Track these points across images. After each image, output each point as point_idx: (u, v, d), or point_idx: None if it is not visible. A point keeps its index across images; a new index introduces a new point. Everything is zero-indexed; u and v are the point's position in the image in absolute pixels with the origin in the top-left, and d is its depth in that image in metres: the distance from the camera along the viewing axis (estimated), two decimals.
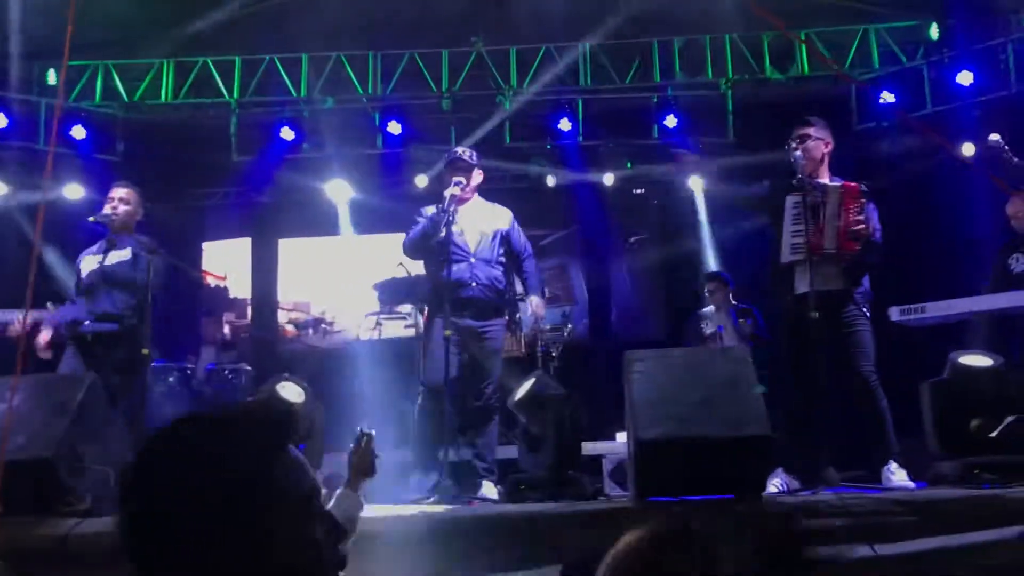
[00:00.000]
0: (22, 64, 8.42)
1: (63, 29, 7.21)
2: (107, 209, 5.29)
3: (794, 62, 8.54)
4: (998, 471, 3.93)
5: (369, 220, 9.39)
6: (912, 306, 5.22)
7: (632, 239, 9.59)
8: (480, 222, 5.16)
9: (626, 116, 8.83)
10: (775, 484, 4.37)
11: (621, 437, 5.60)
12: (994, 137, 4.70)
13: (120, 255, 5.18)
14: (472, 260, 5.02)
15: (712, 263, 8.75)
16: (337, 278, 10.00)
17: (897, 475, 4.37)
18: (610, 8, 8.06)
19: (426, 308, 5.51)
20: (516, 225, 5.30)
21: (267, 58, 8.66)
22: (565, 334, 7.65)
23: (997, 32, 7.83)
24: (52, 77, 8.35)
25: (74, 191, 8.32)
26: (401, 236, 5.29)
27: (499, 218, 5.24)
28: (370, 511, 3.22)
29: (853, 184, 4.64)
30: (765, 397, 3.89)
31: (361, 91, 8.70)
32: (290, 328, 9.94)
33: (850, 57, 8.40)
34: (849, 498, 3.72)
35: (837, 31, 8.48)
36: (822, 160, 4.82)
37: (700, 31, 8.51)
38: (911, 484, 4.27)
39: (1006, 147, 4.64)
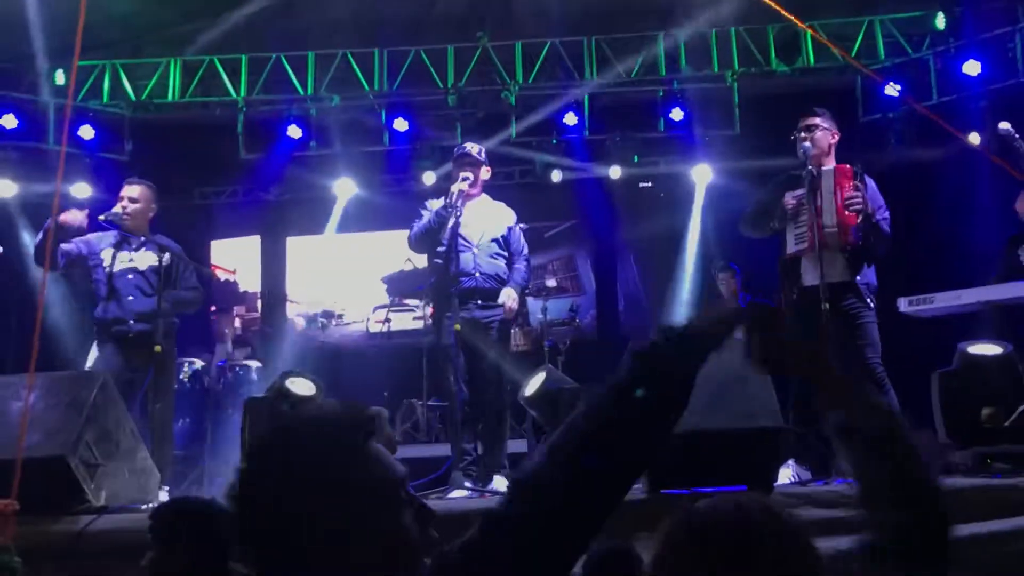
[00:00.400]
0: (31, 65, 8.47)
1: (71, 30, 7.32)
2: (117, 208, 5.31)
3: (800, 54, 8.52)
4: (1010, 460, 3.93)
5: (376, 216, 9.41)
6: (920, 297, 5.23)
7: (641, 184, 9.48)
8: (485, 219, 5.18)
9: (632, 110, 8.82)
10: (787, 475, 4.38)
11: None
12: (1004, 125, 4.69)
13: (147, 258, 5.22)
14: (476, 252, 5.05)
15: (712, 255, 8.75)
16: (345, 273, 10.04)
17: None
18: (615, 2, 8.07)
19: (431, 303, 5.51)
20: (518, 226, 5.32)
21: (273, 56, 8.68)
22: (573, 328, 7.66)
23: (1005, 21, 7.80)
24: (60, 77, 8.37)
25: (82, 190, 8.37)
26: (406, 232, 5.31)
27: (503, 216, 5.26)
28: None
29: (846, 165, 4.65)
30: (776, 389, 3.89)
31: (367, 88, 8.71)
32: (300, 322, 9.98)
33: (856, 48, 8.38)
34: None
35: (843, 22, 8.46)
36: (829, 150, 4.83)
37: (705, 24, 8.51)
38: None
39: (1017, 135, 4.63)
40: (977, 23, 7.79)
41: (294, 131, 8.59)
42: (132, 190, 5.37)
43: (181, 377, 6.90)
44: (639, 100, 8.82)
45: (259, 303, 10.05)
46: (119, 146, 8.71)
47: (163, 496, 4.59)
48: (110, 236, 5.29)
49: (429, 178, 8.82)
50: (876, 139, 8.21)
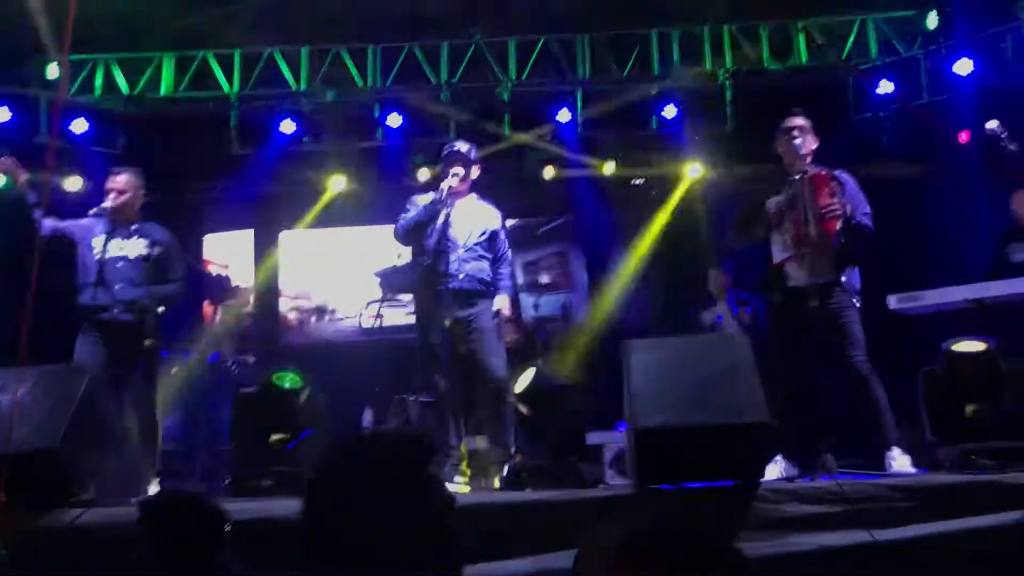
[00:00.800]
0: (23, 59, 8.46)
1: (63, 24, 7.32)
2: (107, 203, 5.31)
3: (792, 52, 8.55)
4: (995, 457, 3.96)
5: (369, 212, 9.42)
6: (910, 294, 5.26)
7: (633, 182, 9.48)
8: (472, 217, 5.19)
9: (625, 106, 8.83)
10: (774, 471, 4.41)
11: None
12: (992, 124, 4.72)
13: (138, 246, 5.22)
14: (461, 252, 5.05)
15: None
16: (338, 268, 10.05)
17: (899, 461, 4.40)
18: None
19: (415, 300, 5.50)
20: (504, 227, 5.34)
21: (267, 51, 8.67)
22: (565, 324, 7.67)
23: (997, 20, 7.83)
24: (53, 71, 8.36)
25: (74, 183, 8.37)
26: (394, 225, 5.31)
27: (490, 216, 5.27)
28: None
29: (822, 171, 4.69)
30: (764, 385, 3.91)
31: (361, 83, 8.71)
32: (293, 316, 9.99)
33: (848, 47, 8.40)
34: (846, 484, 3.75)
35: (835, 21, 8.49)
36: (812, 154, 4.86)
37: (698, 22, 8.53)
38: (913, 470, 4.30)
39: (1004, 133, 4.66)
40: (969, 22, 7.82)
41: (287, 126, 8.59)
42: (117, 181, 5.36)
43: (174, 371, 6.91)
44: (632, 97, 8.82)
45: (251, 300, 10.03)
46: (112, 141, 8.70)
47: (153, 489, 4.61)
48: (103, 223, 5.29)
49: (423, 174, 8.82)
50: (868, 137, 8.24)
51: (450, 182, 5.04)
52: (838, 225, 4.58)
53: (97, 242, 5.23)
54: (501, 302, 5.04)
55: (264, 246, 10.06)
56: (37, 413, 4.04)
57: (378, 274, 9.75)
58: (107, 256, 5.19)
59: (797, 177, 4.73)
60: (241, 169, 9.03)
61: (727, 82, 8.55)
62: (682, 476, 3.77)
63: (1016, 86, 7.69)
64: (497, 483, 4.70)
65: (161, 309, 5.23)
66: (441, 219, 4.96)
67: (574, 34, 8.64)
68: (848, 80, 8.48)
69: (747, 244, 4.95)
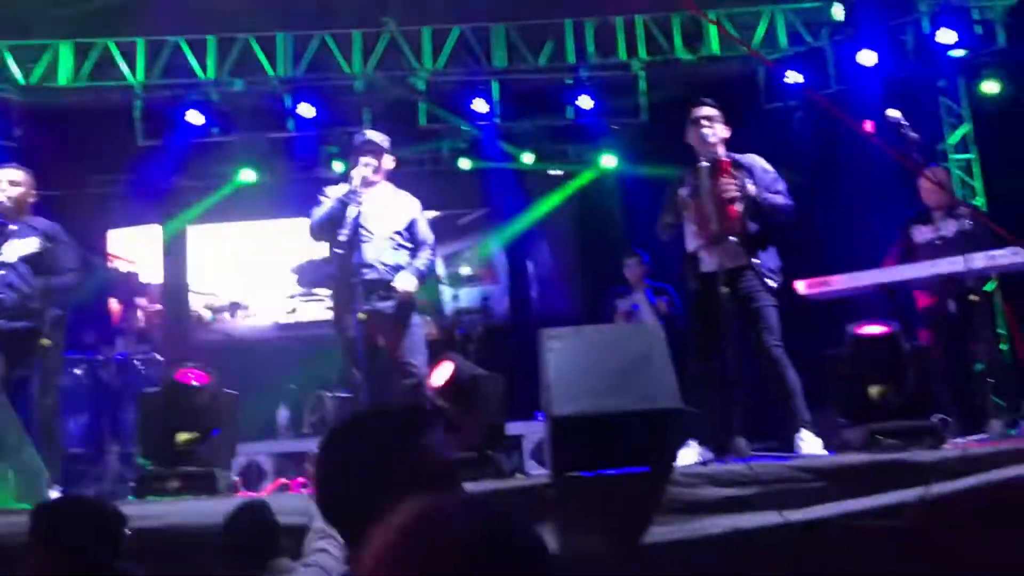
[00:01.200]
0: None
1: None
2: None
3: (704, 43, 8.66)
4: (898, 436, 4.07)
5: (281, 205, 9.23)
6: (818, 279, 5.37)
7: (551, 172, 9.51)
8: (388, 209, 5.10)
9: (541, 97, 8.83)
10: (688, 455, 4.46)
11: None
12: (893, 113, 4.84)
13: (25, 245, 4.95)
14: (378, 243, 4.96)
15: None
16: (252, 263, 9.82)
17: (809, 443, 4.49)
18: None
19: (332, 294, 5.36)
20: (423, 216, 5.26)
21: (172, 39, 8.40)
22: (485, 316, 7.64)
23: (898, 12, 8.07)
24: None
25: None
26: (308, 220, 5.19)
27: (407, 205, 5.19)
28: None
29: (721, 159, 4.78)
30: (679, 372, 3.95)
31: (272, 73, 8.51)
32: (206, 313, 9.73)
33: (758, 37, 8.55)
34: (759, 467, 3.81)
35: (745, 12, 8.62)
36: (723, 143, 4.93)
37: (612, 12, 8.56)
38: (824, 452, 4.40)
39: (904, 122, 4.79)
40: (872, 14, 8.03)
41: (194, 117, 8.32)
42: (12, 173, 5.10)
43: (77, 372, 6.65)
44: (548, 87, 8.83)
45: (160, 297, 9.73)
46: (7, 132, 8.31)
47: (54, 495, 4.42)
48: None
49: (339, 167, 8.66)
50: (778, 126, 8.40)
51: (362, 172, 4.94)
52: (739, 209, 4.66)
53: None
54: (400, 278, 4.93)
55: (172, 241, 9.77)
56: None
57: (294, 270, 9.57)
58: None
59: (700, 166, 4.80)
60: (146, 162, 8.75)
61: (641, 72, 8.61)
62: (598, 463, 3.78)
63: (916, 77, 7.95)
64: None
65: (58, 311, 4.97)
66: (355, 210, 4.85)
67: (489, 23, 8.59)
68: (758, 70, 8.63)
69: (671, 234, 4.99)
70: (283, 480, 5.76)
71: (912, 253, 5.67)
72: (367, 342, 4.78)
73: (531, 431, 6.25)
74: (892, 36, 8.01)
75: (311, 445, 6.77)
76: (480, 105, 8.50)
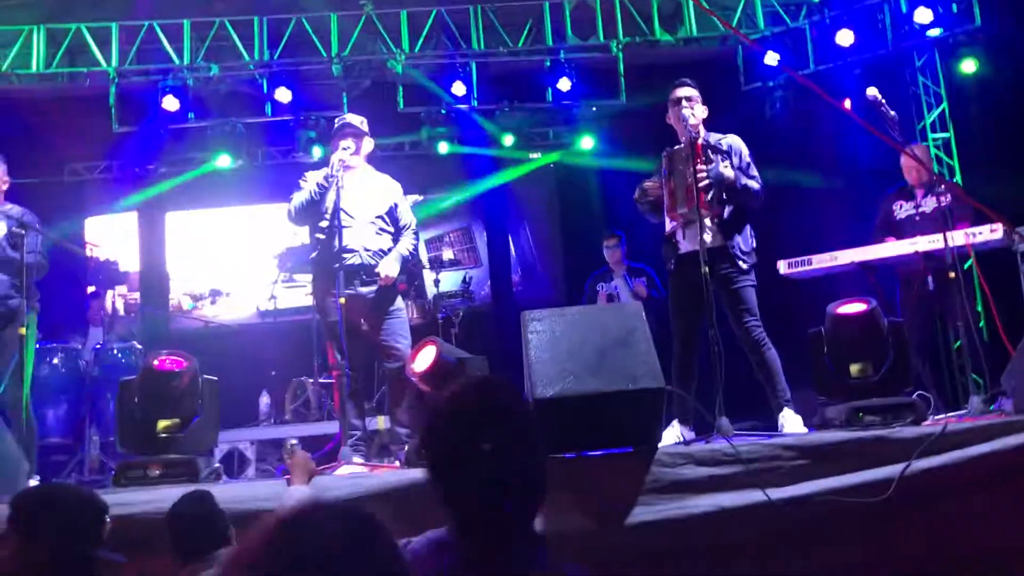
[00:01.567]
0: None
1: None
2: None
3: (683, 23, 8.64)
4: (879, 413, 4.09)
5: (259, 190, 9.16)
6: (799, 259, 5.39)
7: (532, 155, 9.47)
8: (369, 193, 5.06)
9: (520, 79, 8.80)
10: (671, 435, 4.47)
11: None
12: (871, 92, 4.85)
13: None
14: (359, 227, 4.93)
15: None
16: (230, 250, 9.75)
17: (790, 421, 4.52)
18: None
19: (313, 279, 5.31)
20: (404, 199, 5.22)
21: (146, 24, 8.29)
22: (466, 299, 7.62)
23: None
24: None
25: None
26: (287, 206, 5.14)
27: (388, 189, 5.15)
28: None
29: (696, 142, 4.79)
30: (660, 352, 3.95)
31: (247, 57, 8.42)
32: (185, 300, 9.66)
33: (736, 18, 8.54)
34: (741, 446, 3.82)
35: None
36: (704, 121, 4.94)
37: None
38: (804, 430, 4.42)
39: (883, 101, 4.80)
40: None
41: (170, 102, 8.22)
42: None
43: (54, 362, 6.57)
44: (527, 70, 8.79)
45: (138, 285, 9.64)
46: None
47: (32, 485, 4.37)
48: None
49: (317, 152, 8.59)
50: (757, 107, 8.41)
51: (341, 156, 4.90)
52: (709, 194, 4.67)
53: None
54: (383, 264, 4.90)
55: (149, 228, 9.67)
56: None
57: (276, 256, 9.51)
58: None
59: (674, 148, 4.82)
60: (122, 148, 8.65)
61: (619, 54, 8.58)
62: (582, 444, 3.78)
63: (893, 56, 7.97)
64: (399, 462, 4.63)
65: (34, 301, 4.90)
66: (334, 195, 4.81)
67: (467, 5, 8.52)
68: (737, 51, 8.63)
69: (654, 218, 5.00)
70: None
71: (893, 229, 5.71)
72: (349, 326, 4.76)
73: None
74: (869, 16, 8.02)
75: (292, 431, 6.75)
76: (458, 88, 8.44)
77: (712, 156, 4.81)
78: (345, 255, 4.81)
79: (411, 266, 5.37)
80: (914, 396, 4.29)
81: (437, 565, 1.78)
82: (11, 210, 5.00)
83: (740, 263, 4.70)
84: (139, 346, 7.01)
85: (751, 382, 4.76)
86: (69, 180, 9.13)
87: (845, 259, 5.33)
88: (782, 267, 5.44)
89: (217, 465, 4.70)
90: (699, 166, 4.71)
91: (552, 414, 3.74)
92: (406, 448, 4.62)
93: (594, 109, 8.85)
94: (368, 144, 5.16)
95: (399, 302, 5.06)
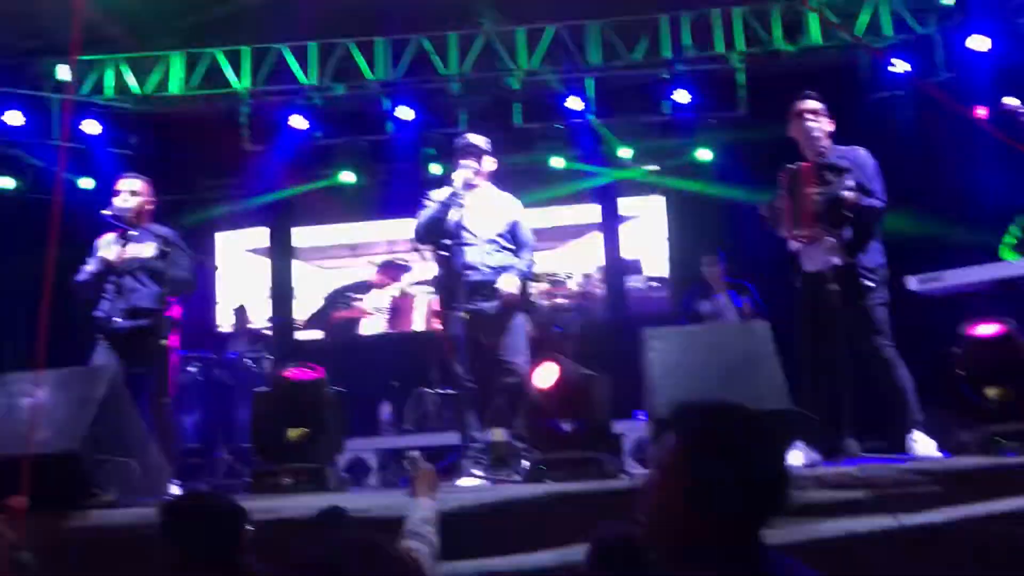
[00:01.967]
0: (33, 60, 8.50)
1: (68, 25, 7.33)
2: (118, 202, 5.30)
3: (804, 33, 8.46)
4: (1019, 439, 3.91)
5: (381, 205, 9.43)
6: (929, 275, 5.21)
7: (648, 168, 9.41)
8: (490, 209, 5.16)
9: (637, 92, 8.79)
10: (796, 457, 4.37)
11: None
12: (1009, 100, 4.64)
13: (144, 250, 5.19)
14: (482, 245, 5.02)
15: None
16: (352, 263, 10.06)
17: (921, 444, 4.36)
18: None
19: (438, 296, 5.45)
20: (523, 216, 5.29)
21: (275, 47, 8.66)
22: (583, 313, 7.64)
23: None
24: (63, 72, 8.39)
25: (87, 183, 8.42)
26: (413, 221, 5.29)
27: (509, 206, 5.23)
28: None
29: (818, 162, 4.66)
30: (783, 371, 3.88)
31: (371, 77, 8.69)
32: (309, 312, 9.98)
33: (862, 26, 8.31)
34: (870, 469, 3.71)
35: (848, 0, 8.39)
36: (829, 133, 4.83)
37: (708, 5, 8.45)
38: (937, 453, 4.26)
39: (1022, 109, 4.59)
40: None
41: (298, 121, 8.57)
42: (131, 183, 5.36)
43: (192, 370, 6.92)
44: (644, 83, 8.78)
45: (269, 300, 10.04)
46: (124, 140, 8.72)
47: (173, 490, 4.62)
48: (110, 235, 5.28)
49: (436, 169, 8.81)
50: (883, 117, 8.15)
51: (463, 174, 5.01)
52: (830, 212, 4.54)
53: (108, 252, 5.21)
54: (503, 280, 4.98)
55: (276, 242, 10.07)
56: (59, 415, 4.05)
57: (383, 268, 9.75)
58: (119, 268, 5.18)
59: (793, 167, 4.72)
60: (253, 166, 9.05)
61: (739, 65, 8.47)
62: None
63: None
64: (517, 476, 4.68)
65: (175, 312, 5.20)
66: (457, 213, 4.93)
67: (584, 21, 8.58)
68: (862, 60, 8.39)
69: (783, 233, 4.92)
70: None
71: None
72: (469, 340, 4.85)
73: (631, 430, 6.21)
74: (1007, 20, 7.66)
75: (412, 442, 6.90)
76: (575, 103, 8.51)
77: (830, 177, 4.67)
78: (467, 271, 4.91)
79: (528, 281, 5.42)
80: None
81: None
82: (159, 230, 5.30)
83: (867, 281, 4.56)
84: (269, 356, 7.30)
85: (880, 403, 4.61)
86: (204, 196, 9.59)
87: (978, 275, 5.12)
88: (912, 283, 5.26)
89: (344, 475, 4.86)
90: (816, 188, 4.60)
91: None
92: (525, 463, 4.66)
93: (712, 121, 8.77)
94: (489, 163, 5.26)
95: (518, 318, 5.12)
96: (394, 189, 9.15)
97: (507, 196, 5.30)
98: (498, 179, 5.46)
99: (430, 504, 3.17)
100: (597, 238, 9.90)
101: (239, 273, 10.08)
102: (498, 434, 5.51)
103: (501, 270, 5.02)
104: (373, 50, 8.69)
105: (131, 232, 5.23)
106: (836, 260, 4.50)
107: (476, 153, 5.15)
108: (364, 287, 9.91)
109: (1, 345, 8.44)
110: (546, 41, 8.58)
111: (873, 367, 4.56)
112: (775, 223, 4.86)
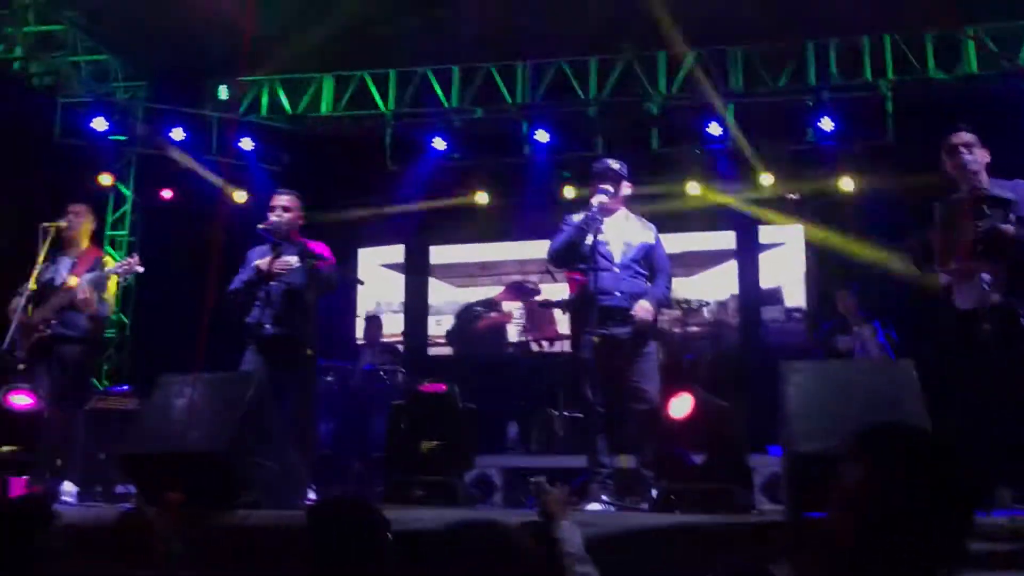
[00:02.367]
0: (196, 81, 9.07)
1: (232, 47, 7.80)
2: (272, 217, 5.57)
3: (960, 60, 8.11)
4: None
5: (515, 227, 9.55)
6: None
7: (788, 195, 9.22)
8: (626, 234, 5.15)
9: (779, 119, 8.62)
10: None
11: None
12: None
13: (290, 260, 5.45)
14: (616, 270, 5.02)
15: None
16: (485, 281, 10.23)
17: None
18: (761, 10, 7.89)
19: (570, 317, 5.50)
20: (660, 241, 5.26)
21: (420, 70, 8.93)
22: (714, 342, 7.53)
23: None
24: (224, 92, 8.91)
25: (240, 196, 8.90)
26: (546, 243, 5.34)
27: (645, 231, 5.22)
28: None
29: (970, 196, 4.46)
30: (929, 413, 3.71)
31: (509, 100, 8.84)
32: (442, 328, 10.18)
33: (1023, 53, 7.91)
34: (1022, 521, 3.50)
35: (1007, 26, 8.00)
36: (986, 165, 4.62)
37: (856, 31, 8.23)
38: None
39: None
40: None
41: (438, 143, 8.81)
42: (283, 199, 5.63)
43: (328, 379, 7.17)
44: (786, 109, 8.61)
45: (403, 315, 10.31)
46: (276, 157, 9.18)
47: (310, 495, 4.79)
48: (263, 247, 5.56)
49: (570, 192, 8.88)
50: None
51: (600, 199, 5.03)
52: (989, 248, 4.32)
53: (260, 263, 5.48)
54: (640, 306, 4.96)
55: (413, 259, 10.34)
56: (209, 417, 4.27)
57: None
58: (270, 277, 5.45)
59: (949, 198, 4.54)
60: (393, 185, 9.33)
61: (888, 93, 8.20)
62: None
63: None
64: (644, 504, 4.64)
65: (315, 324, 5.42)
66: (592, 237, 4.95)
67: (726, 46, 8.49)
68: (1022, 88, 7.97)
69: (926, 268, 4.73)
70: None
71: None
72: (601, 365, 4.85)
73: (762, 464, 6.06)
74: None
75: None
76: (714, 128, 8.42)
77: (989, 209, 4.46)
78: (601, 296, 4.91)
79: (663, 308, 5.39)
80: None
81: None
82: (309, 243, 5.55)
83: None
84: (402, 370, 7.50)
85: None
86: (347, 213, 9.94)
87: None
88: None
89: (473, 491, 4.93)
90: (974, 221, 4.40)
91: (810, 471, 3.61)
92: (653, 491, 4.62)
93: (857, 149, 8.51)
94: (626, 188, 5.26)
95: (651, 345, 5.09)
96: (528, 211, 9.25)
97: (643, 221, 5.29)
98: (634, 204, 5.46)
99: (576, 528, 3.15)
100: (732, 266, 9.72)
101: (373, 287, 10.37)
102: (625, 460, 5.48)
103: (635, 296, 5.01)
104: (514, 74, 8.84)
105: (282, 245, 5.49)
106: (994, 298, 4.28)
107: (614, 178, 5.16)
108: (490, 304, 10.05)
109: (157, 347, 8.98)
110: (687, 66, 8.53)
111: None
112: (926, 257, 4.68)
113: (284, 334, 5.32)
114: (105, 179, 9.17)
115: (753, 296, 9.61)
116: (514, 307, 9.94)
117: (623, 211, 5.27)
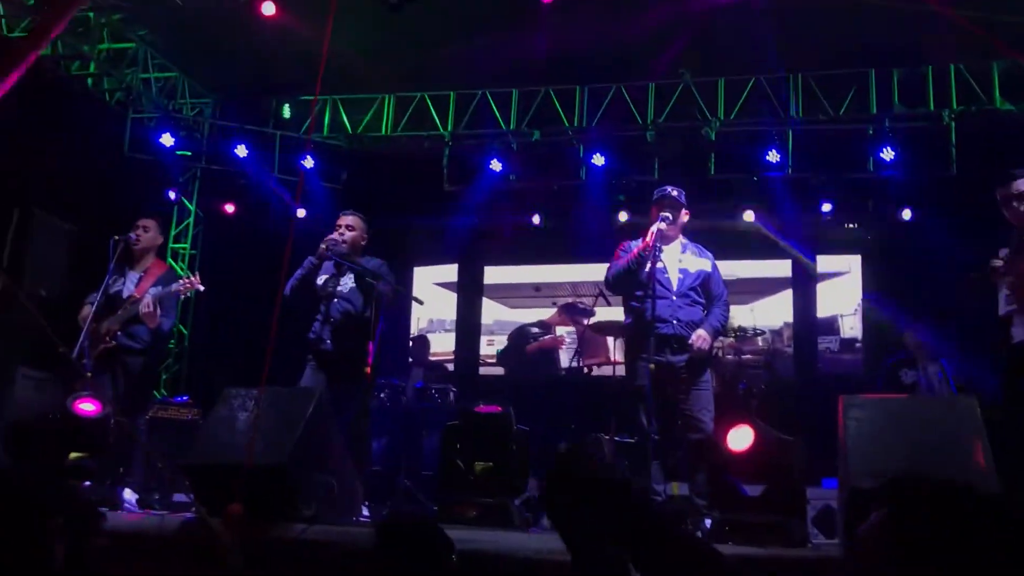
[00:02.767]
0: (261, 99, 9.27)
1: (295, 68, 7.97)
2: (336, 236, 5.69)
3: None
4: None
5: (570, 249, 9.58)
6: None
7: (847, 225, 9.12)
8: (683, 261, 5.17)
9: (839, 147, 8.54)
10: None
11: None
12: None
13: (351, 279, 5.56)
14: (673, 298, 5.03)
15: None
16: (538, 303, 10.25)
17: None
18: (824, 37, 7.85)
19: (626, 342, 5.52)
20: (717, 268, 5.27)
21: (479, 92, 9.03)
22: (769, 371, 7.46)
23: None
24: (287, 111, 9.10)
25: (300, 212, 9.07)
26: (600, 266, 5.38)
27: (702, 259, 5.23)
28: None
29: None
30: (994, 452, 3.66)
31: (567, 124, 8.89)
32: (491, 349, 10.22)
33: None
34: None
35: None
36: None
37: (920, 61, 8.13)
38: None
39: None
40: None
41: (495, 164, 8.89)
42: (348, 219, 5.75)
43: (381, 396, 7.25)
44: (846, 138, 8.52)
45: (453, 334, 10.37)
46: (336, 176, 9.34)
47: (364, 511, 4.85)
48: (329, 265, 5.68)
49: (624, 216, 8.89)
50: None
51: (659, 226, 5.05)
52: None
53: (323, 280, 5.61)
54: (697, 335, 4.96)
55: (467, 279, 10.41)
56: (271, 430, 4.36)
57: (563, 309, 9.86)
58: (331, 294, 5.57)
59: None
60: (450, 205, 9.43)
61: (951, 123, 8.09)
62: None
63: None
64: (697, 533, 4.62)
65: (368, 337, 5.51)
66: (651, 265, 4.97)
67: (786, 73, 8.44)
68: None
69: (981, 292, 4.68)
70: None
71: None
72: (656, 392, 4.86)
73: (815, 497, 5.99)
74: None
75: None
76: (772, 156, 8.38)
77: None
78: (658, 324, 4.93)
79: (719, 336, 5.40)
80: None
81: None
82: (370, 262, 5.66)
83: None
84: (453, 389, 7.55)
85: None
86: (404, 232, 10.06)
87: None
88: None
89: (526, 514, 4.95)
90: None
91: (868, 507, 3.57)
92: (707, 521, 4.60)
93: (919, 180, 8.39)
94: (684, 215, 5.28)
95: (707, 374, 5.09)
96: (582, 233, 9.27)
97: (700, 248, 5.30)
98: (691, 230, 5.47)
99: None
100: (787, 295, 9.63)
101: (425, 305, 10.45)
102: (677, 488, 5.47)
103: (692, 324, 5.01)
104: (572, 97, 8.89)
105: (344, 263, 5.61)
106: None
107: (673, 206, 5.19)
108: (542, 326, 10.07)
109: (215, 358, 9.17)
110: (746, 92, 8.50)
111: None
112: (992, 282, 4.61)
113: (343, 350, 5.42)
114: (171, 195, 9.44)
115: (809, 325, 9.50)
116: (566, 331, 9.95)
117: (681, 239, 5.28)
